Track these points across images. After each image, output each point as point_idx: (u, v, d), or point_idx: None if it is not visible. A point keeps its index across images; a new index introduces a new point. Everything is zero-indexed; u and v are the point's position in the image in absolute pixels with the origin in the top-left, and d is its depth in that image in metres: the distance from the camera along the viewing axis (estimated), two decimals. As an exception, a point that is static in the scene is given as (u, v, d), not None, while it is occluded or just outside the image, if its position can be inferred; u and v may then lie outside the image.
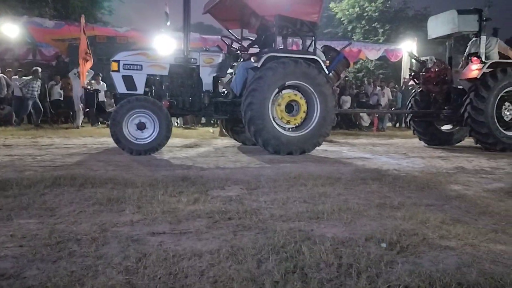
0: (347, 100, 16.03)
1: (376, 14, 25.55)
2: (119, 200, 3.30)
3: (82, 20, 10.05)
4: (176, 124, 14.17)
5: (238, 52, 8.25)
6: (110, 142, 8.06)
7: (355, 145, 9.41)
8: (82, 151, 6.77)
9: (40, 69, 12.38)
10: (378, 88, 16.49)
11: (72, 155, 6.27)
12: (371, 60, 22.01)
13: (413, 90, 10.46)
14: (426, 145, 9.63)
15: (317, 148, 7.52)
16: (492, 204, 3.51)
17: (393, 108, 16.26)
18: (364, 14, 25.78)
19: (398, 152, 8.00)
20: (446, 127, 9.70)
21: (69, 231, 2.53)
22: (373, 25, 25.69)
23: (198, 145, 8.48)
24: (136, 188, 3.74)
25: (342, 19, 26.93)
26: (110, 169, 4.97)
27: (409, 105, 9.99)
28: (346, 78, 21.39)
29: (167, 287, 1.81)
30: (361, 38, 24.47)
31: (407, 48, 12.63)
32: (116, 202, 3.26)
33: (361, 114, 15.91)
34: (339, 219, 2.94)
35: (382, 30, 25.26)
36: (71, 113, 13.16)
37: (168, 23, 9.46)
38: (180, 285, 1.84)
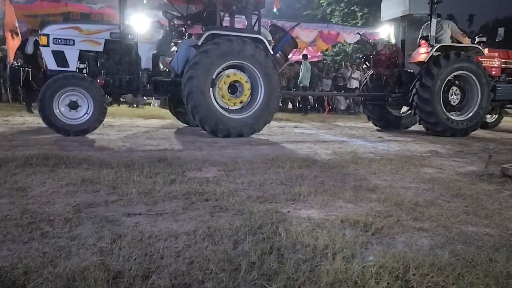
0: (327, 84, 16.11)
1: (355, -3, 25.54)
2: (93, 181, 3.24)
3: None
4: (156, 104, 13.99)
5: (183, 29, 7.94)
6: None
7: (332, 128, 9.48)
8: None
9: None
10: (360, 72, 16.58)
11: (45, 134, 6.11)
12: (349, 44, 21.99)
13: (367, 73, 10.44)
14: (378, 128, 9.63)
15: (294, 130, 7.49)
16: (464, 187, 3.59)
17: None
18: (343, -3, 25.74)
19: (374, 135, 8.10)
20: (403, 110, 9.68)
21: (42, 212, 2.47)
22: (351, 8, 25.66)
23: (175, 126, 8.40)
24: (111, 169, 3.68)
25: (321, 2, 26.82)
26: (84, 149, 4.88)
27: (362, 88, 9.98)
28: (324, 61, 21.45)
29: (143, 268, 1.78)
30: (340, 21, 24.42)
31: (384, 32, 12.57)
32: (91, 182, 3.20)
33: (338, 97, 16.01)
34: (316, 200, 2.96)
35: (360, 13, 25.27)
36: None
37: (145, 1, 9.24)
38: (156, 266, 1.82)
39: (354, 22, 24.50)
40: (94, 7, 13.83)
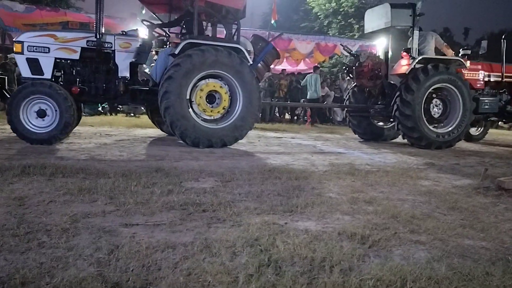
0: (330, 95, 16.23)
1: (352, 10, 25.71)
2: (91, 191, 3.23)
3: None
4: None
5: (164, 38, 7.90)
6: (82, 131, 7.91)
7: (329, 139, 9.50)
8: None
9: None
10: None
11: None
12: (346, 56, 22.14)
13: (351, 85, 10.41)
14: (361, 139, 9.60)
15: (291, 141, 7.46)
16: (460, 200, 3.60)
17: None
18: (341, 10, 25.91)
19: (370, 147, 8.12)
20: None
21: (39, 222, 2.46)
22: (349, 20, 25.85)
23: (172, 136, 8.39)
24: (108, 179, 3.68)
25: (318, 14, 27.02)
26: (82, 159, 4.87)
27: (346, 99, 9.98)
28: (321, 73, 21.55)
29: (140, 280, 1.78)
30: (337, 34, 24.60)
31: (381, 45, 12.58)
32: (88, 192, 3.20)
33: (334, 109, 16.04)
34: (313, 212, 2.97)
35: (357, 26, 25.45)
36: None
37: (144, 11, 9.28)
38: (153, 278, 1.82)
39: (351, 34, 24.67)
40: (93, 17, 13.84)
